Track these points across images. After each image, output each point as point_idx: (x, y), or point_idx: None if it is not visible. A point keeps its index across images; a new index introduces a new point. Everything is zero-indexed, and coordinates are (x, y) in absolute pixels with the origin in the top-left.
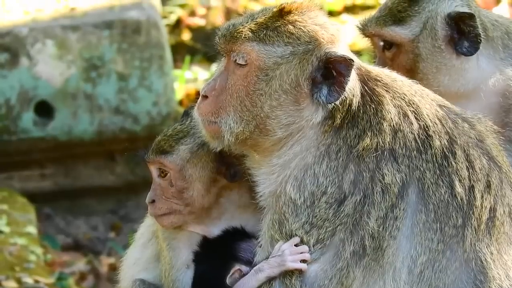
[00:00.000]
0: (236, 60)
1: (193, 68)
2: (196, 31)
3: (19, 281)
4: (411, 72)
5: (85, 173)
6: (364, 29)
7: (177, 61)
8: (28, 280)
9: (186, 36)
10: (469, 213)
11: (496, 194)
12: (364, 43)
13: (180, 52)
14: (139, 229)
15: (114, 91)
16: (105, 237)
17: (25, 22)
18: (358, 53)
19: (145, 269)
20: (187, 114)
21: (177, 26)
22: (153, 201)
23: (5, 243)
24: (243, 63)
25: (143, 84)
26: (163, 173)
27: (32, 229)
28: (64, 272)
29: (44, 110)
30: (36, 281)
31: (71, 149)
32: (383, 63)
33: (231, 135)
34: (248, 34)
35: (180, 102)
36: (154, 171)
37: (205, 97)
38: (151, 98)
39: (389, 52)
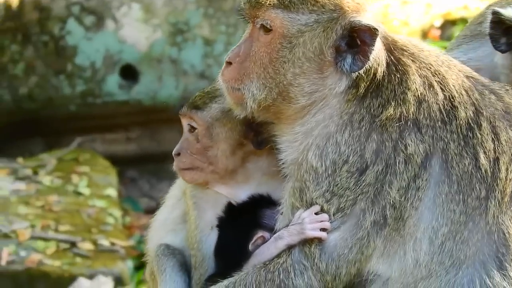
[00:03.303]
0: (260, 26)
1: None
2: None
3: (95, 243)
4: None
5: (170, 137)
6: None
7: None
8: (104, 242)
9: None
10: (493, 185)
11: None
12: (458, 13)
13: None
14: (170, 191)
15: (199, 56)
16: None
17: None
18: (453, 23)
19: (172, 230)
20: None
21: None
22: (179, 154)
23: (84, 205)
24: (267, 29)
25: (229, 49)
26: (192, 128)
27: (112, 192)
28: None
29: (129, 74)
30: (112, 244)
31: (156, 113)
32: None
33: (254, 102)
34: (273, 1)
35: None
36: (185, 125)
37: (229, 63)
38: None
39: None
